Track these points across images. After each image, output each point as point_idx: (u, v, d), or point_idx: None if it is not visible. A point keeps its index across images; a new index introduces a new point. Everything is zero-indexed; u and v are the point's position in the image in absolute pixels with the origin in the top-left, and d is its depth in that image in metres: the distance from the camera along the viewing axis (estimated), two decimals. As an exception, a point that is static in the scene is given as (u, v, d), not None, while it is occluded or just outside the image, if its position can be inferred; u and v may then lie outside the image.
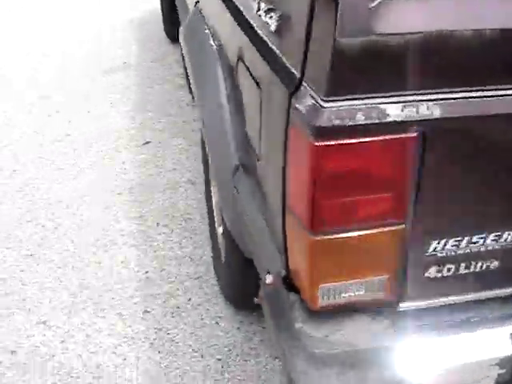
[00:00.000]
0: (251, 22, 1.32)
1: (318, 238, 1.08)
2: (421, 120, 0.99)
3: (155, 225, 2.69)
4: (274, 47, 1.19)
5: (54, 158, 3.15)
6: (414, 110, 0.99)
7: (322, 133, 0.98)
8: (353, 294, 1.17)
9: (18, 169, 3.09)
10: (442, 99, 1.00)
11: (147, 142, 3.25)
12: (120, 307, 2.31)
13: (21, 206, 2.83)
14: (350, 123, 0.97)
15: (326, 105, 0.97)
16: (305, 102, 1.01)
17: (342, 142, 0.99)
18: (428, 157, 1.03)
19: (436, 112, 1.00)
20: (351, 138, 0.99)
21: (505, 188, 1.11)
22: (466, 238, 1.14)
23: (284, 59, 1.13)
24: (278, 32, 1.14)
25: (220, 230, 2.27)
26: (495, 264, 1.20)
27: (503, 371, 1.25)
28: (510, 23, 0.97)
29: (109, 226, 2.69)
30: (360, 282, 1.15)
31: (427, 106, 0.99)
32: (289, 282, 1.26)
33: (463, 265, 1.18)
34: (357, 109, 0.98)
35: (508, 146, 1.06)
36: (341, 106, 0.97)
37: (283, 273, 1.27)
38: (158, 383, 2.03)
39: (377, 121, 0.98)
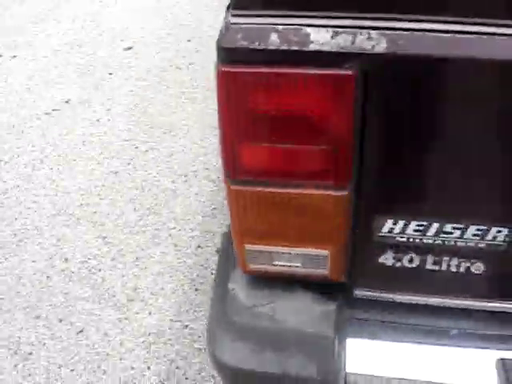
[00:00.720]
0: None
1: (235, 188, 0.89)
2: (358, 53, 0.74)
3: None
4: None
5: (170, 85, 3.16)
6: (350, 38, 0.74)
7: (227, 56, 0.78)
8: (287, 264, 0.96)
9: (135, 90, 3.15)
10: (391, 28, 0.73)
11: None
12: (177, 238, 2.27)
13: (124, 124, 2.88)
14: (261, 46, 0.76)
15: (233, 21, 0.77)
16: (226, 18, 0.81)
17: (251, 70, 0.78)
18: (374, 103, 0.78)
19: (381, 44, 0.74)
20: (264, 65, 0.77)
21: (492, 161, 0.81)
22: (435, 225, 0.87)
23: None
24: None
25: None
26: (479, 267, 0.91)
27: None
28: None
29: (196, 158, 2.64)
30: (294, 253, 0.94)
31: (368, 35, 0.74)
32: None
33: (431, 259, 0.91)
34: (271, 29, 0.76)
35: (493, 97, 0.76)
36: (250, 24, 0.76)
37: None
38: (184, 320, 1.97)
39: (295, 47, 0.75)
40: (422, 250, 0.90)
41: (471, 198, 0.85)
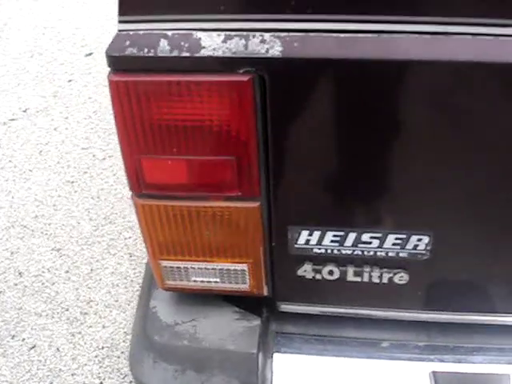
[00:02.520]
0: None
1: (144, 202, 0.84)
2: (252, 58, 0.69)
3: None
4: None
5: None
6: (243, 42, 0.69)
7: (116, 64, 0.72)
8: (205, 280, 0.91)
9: (93, 97, 3.08)
10: (285, 30, 0.68)
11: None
12: (132, 248, 2.21)
13: (82, 133, 2.81)
14: (150, 53, 0.70)
15: (121, 27, 0.71)
16: (119, 26, 0.75)
17: (142, 78, 0.72)
18: (274, 109, 0.73)
19: (276, 48, 0.68)
20: (155, 73, 0.72)
21: (406, 167, 0.76)
22: (352, 235, 0.82)
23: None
24: None
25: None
26: (403, 278, 0.86)
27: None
28: None
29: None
30: (211, 267, 0.89)
31: (262, 38, 0.69)
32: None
33: (352, 270, 0.86)
34: (161, 34, 0.70)
35: (393, 98, 0.71)
36: (138, 30, 0.71)
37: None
38: (138, 332, 1.91)
39: (186, 53, 0.70)
40: (342, 261, 0.85)
41: (386, 206, 0.80)
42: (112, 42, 0.71)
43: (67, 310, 2.01)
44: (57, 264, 2.17)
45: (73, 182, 2.53)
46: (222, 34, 0.69)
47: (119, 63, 0.71)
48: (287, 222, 0.83)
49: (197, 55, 0.69)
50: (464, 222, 0.79)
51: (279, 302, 0.93)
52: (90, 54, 3.44)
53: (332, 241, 0.83)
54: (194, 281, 0.91)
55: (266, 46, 0.68)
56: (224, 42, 0.69)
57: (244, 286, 0.91)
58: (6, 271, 2.16)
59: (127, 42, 0.71)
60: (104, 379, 1.79)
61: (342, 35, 0.67)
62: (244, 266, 0.88)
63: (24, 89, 3.20)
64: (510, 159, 0.72)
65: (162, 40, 0.70)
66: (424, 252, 0.82)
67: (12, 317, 2.00)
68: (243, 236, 0.84)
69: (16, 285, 2.11)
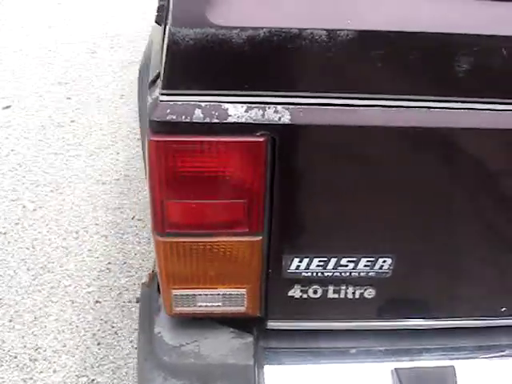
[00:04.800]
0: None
1: (163, 240, 1.01)
2: (267, 124, 0.91)
3: (130, 218, 2.67)
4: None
5: (53, 143, 3.18)
6: (261, 112, 0.91)
7: (157, 127, 0.91)
8: (209, 305, 1.09)
9: (16, 150, 3.13)
10: (293, 104, 0.91)
11: (146, 136, 3.23)
12: (74, 295, 2.29)
13: (8, 185, 2.86)
14: (187, 119, 0.90)
15: (162, 98, 0.91)
16: (153, 95, 0.95)
17: (178, 138, 0.92)
18: (280, 164, 0.95)
19: (285, 117, 0.91)
20: (189, 135, 0.92)
21: (375, 205, 1.01)
22: (333, 260, 1.05)
23: (160, 51, 1.07)
24: (158, 22, 1.08)
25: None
26: (371, 293, 1.09)
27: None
28: (368, 25, 0.87)
29: (85, 214, 2.68)
30: (216, 293, 1.08)
31: (275, 109, 0.91)
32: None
33: (332, 289, 1.08)
34: (196, 105, 0.91)
35: (370, 158, 0.96)
36: (178, 101, 0.91)
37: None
38: (90, 374, 2.00)
39: (216, 120, 0.90)
40: (324, 282, 1.07)
41: (359, 237, 1.04)
42: (154, 109, 0.91)
43: (15, 357, 2.05)
44: (-2, 314, 2.21)
45: (5, 233, 2.57)
46: (245, 105, 0.91)
47: (160, 127, 0.91)
48: (282, 251, 1.04)
49: (224, 121, 0.90)
50: (417, 247, 1.05)
51: (268, 321, 1.13)
52: (8, 106, 3.49)
53: (317, 265, 1.05)
54: (200, 306, 1.09)
55: (279, 115, 0.91)
56: (246, 111, 0.91)
57: (241, 308, 1.10)
58: None
59: (168, 111, 0.90)
60: (60, 422, 1.86)
61: (334, 108, 0.91)
62: (243, 291, 1.08)
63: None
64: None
65: (197, 109, 0.90)
66: (388, 271, 1.06)
67: (-44, 369, 2.01)
68: (246, 264, 1.04)
69: (-44, 338, 2.12)
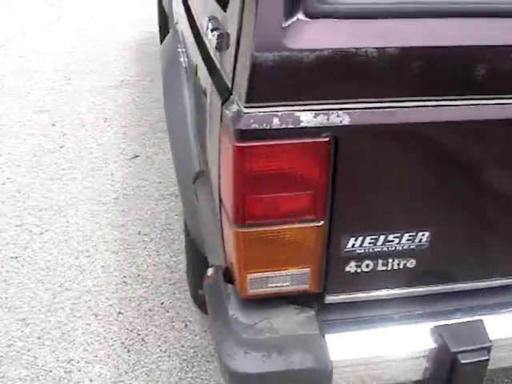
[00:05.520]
0: (203, 38, 1.48)
1: (242, 231, 1.22)
2: (331, 126, 1.13)
3: (136, 233, 2.83)
4: (216, 62, 1.34)
5: (47, 168, 3.31)
6: (325, 117, 1.13)
7: (242, 135, 1.12)
8: (279, 285, 1.30)
9: (12, 177, 3.25)
10: (350, 109, 1.14)
11: (136, 156, 3.41)
12: (96, 308, 2.44)
13: (11, 212, 2.98)
14: (267, 127, 1.12)
15: (246, 110, 1.12)
16: (231, 108, 1.16)
17: (260, 143, 1.13)
18: (341, 159, 1.17)
19: (345, 119, 1.14)
20: (268, 140, 1.13)
21: (416, 192, 1.25)
22: (382, 237, 1.28)
23: (222, 72, 1.28)
24: (218, 49, 1.29)
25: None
26: (413, 263, 1.33)
27: (428, 364, 1.36)
28: (408, 42, 1.11)
29: (92, 234, 2.83)
30: (285, 274, 1.29)
31: (337, 114, 1.14)
32: (227, 275, 1.40)
33: (381, 262, 1.31)
34: (273, 115, 1.12)
35: (413, 151, 1.19)
36: (259, 112, 1.12)
37: (223, 266, 1.41)
38: (126, 379, 2.15)
39: (291, 126, 1.12)
40: (374, 256, 1.29)
41: (403, 216, 1.27)
42: (240, 121, 1.12)
43: (50, 371, 2.19)
44: (26, 332, 2.34)
45: (17, 258, 2.70)
46: (313, 112, 1.13)
47: (244, 135, 1.12)
48: (341, 233, 1.26)
49: (297, 126, 1.12)
50: (451, 222, 1.29)
51: (326, 296, 1.34)
52: (-6, 136, 3.59)
53: (369, 242, 1.28)
54: (271, 287, 1.30)
55: (340, 119, 1.14)
56: (314, 117, 1.13)
57: (305, 286, 1.31)
58: (-26, 347, 2.28)
59: (251, 121, 1.11)
60: (106, 425, 2.01)
61: (381, 110, 1.15)
62: (307, 270, 1.29)
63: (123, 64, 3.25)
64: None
65: (275, 118, 1.12)
66: (426, 243, 1.30)
67: (-6, 387, 2.13)
68: (311, 247, 1.26)
69: (-11, 357, 2.24)
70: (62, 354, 2.25)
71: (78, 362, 2.22)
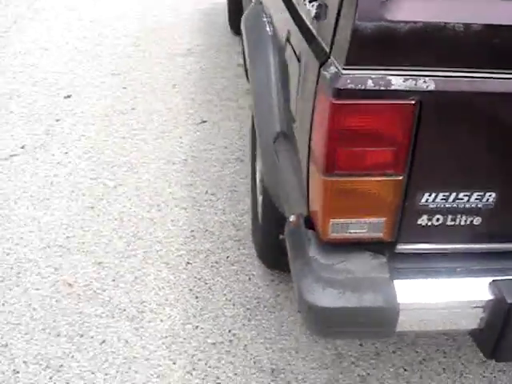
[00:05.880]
0: (297, 8, 1.66)
1: (330, 179, 1.40)
2: (418, 91, 1.30)
3: (204, 192, 3.05)
4: (313, 30, 1.52)
5: (119, 128, 3.56)
6: (414, 82, 1.30)
7: (339, 93, 1.30)
8: (357, 231, 1.48)
9: (86, 134, 3.51)
10: (436, 76, 1.31)
11: (203, 121, 3.62)
12: (166, 257, 2.67)
13: (86, 166, 3.24)
14: (362, 87, 1.29)
15: (344, 72, 1.30)
16: (329, 70, 1.34)
17: (355, 102, 1.31)
18: (424, 121, 1.34)
19: (431, 85, 1.30)
20: (362, 99, 1.31)
21: (488, 156, 1.41)
22: (453, 194, 1.44)
23: (319, 39, 1.46)
24: (317, 18, 1.47)
25: (261, 198, 2.62)
26: (478, 220, 1.49)
27: (484, 314, 1.53)
28: (489, 20, 1.27)
29: (162, 190, 3.07)
30: (363, 222, 1.47)
31: (424, 80, 1.30)
32: (308, 222, 1.59)
33: (450, 217, 1.48)
34: (368, 77, 1.30)
35: (487, 118, 1.35)
36: (356, 74, 1.30)
37: (304, 213, 1.60)
38: (194, 322, 2.38)
39: (383, 88, 1.29)
40: (445, 211, 1.46)
41: (474, 176, 1.44)
42: (338, 80, 1.29)
43: (124, 310, 2.43)
44: (102, 275, 2.58)
45: (92, 208, 2.95)
46: (403, 77, 1.30)
47: (342, 93, 1.30)
48: (417, 188, 1.43)
49: (388, 89, 1.30)
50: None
51: (397, 245, 1.52)
52: (69, 96, 3.85)
53: (441, 199, 1.44)
54: (350, 232, 1.48)
55: (426, 84, 1.30)
56: (403, 82, 1.30)
57: (380, 234, 1.49)
58: (55, 284, 2.54)
59: (348, 81, 1.29)
60: (176, 360, 2.24)
61: (465, 79, 1.31)
62: (383, 220, 1.47)
63: (14, 127, 3.55)
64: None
65: (369, 80, 1.29)
66: (492, 203, 1.46)
67: (75, 320, 2.38)
68: (389, 199, 1.43)
69: (69, 294, 2.50)
70: (135, 295, 2.49)
71: (150, 304, 2.46)
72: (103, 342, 2.30)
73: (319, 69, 1.39)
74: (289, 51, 1.77)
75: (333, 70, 1.33)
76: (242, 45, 2.58)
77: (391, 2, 1.25)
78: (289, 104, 1.82)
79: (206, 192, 3.06)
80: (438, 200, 1.45)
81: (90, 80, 4.04)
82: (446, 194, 1.44)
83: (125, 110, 3.73)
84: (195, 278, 2.57)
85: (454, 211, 1.47)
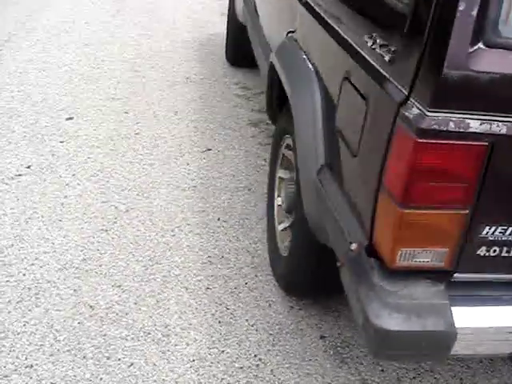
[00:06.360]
0: (361, 51, 1.81)
1: (405, 211, 1.54)
2: (491, 134, 1.47)
3: (216, 219, 3.15)
4: (383, 72, 1.67)
5: (126, 152, 3.63)
6: (489, 126, 1.47)
7: (424, 133, 1.45)
8: (421, 260, 1.62)
9: (92, 157, 3.57)
10: (508, 121, 1.47)
11: (208, 149, 3.73)
12: (186, 282, 2.75)
13: (95, 189, 3.29)
14: (444, 129, 1.45)
15: (429, 114, 1.45)
16: (412, 111, 1.49)
17: (436, 141, 1.46)
18: (494, 162, 1.50)
19: (503, 129, 1.47)
20: (443, 139, 1.46)
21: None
22: (510, 228, 1.61)
23: (394, 82, 1.61)
24: (391, 62, 1.62)
25: (280, 226, 2.75)
26: (528, 252, 1.66)
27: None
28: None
29: (175, 215, 3.15)
30: (428, 251, 1.61)
31: (497, 124, 1.47)
32: (369, 250, 1.72)
33: (505, 249, 1.64)
34: (449, 119, 1.45)
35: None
36: (439, 117, 1.45)
37: (365, 242, 1.73)
38: (219, 346, 2.45)
39: (462, 130, 1.45)
40: (501, 244, 1.62)
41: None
42: (422, 121, 1.44)
43: (149, 333, 2.49)
44: (123, 298, 2.64)
45: (107, 231, 3.01)
46: (479, 121, 1.46)
47: (426, 133, 1.45)
48: (480, 222, 1.59)
49: (467, 131, 1.46)
50: None
51: (456, 273, 1.67)
52: (71, 118, 3.91)
53: (499, 232, 1.60)
54: (415, 261, 1.62)
55: (499, 128, 1.47)
56: (480, 125, 1.46)
57: (441, 264, 1.64)
58: (77, 305, 2.58)
59: (432, 122, 1.44)
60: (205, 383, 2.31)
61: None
62: (446, 250, 1.62)
63: (17, 147, 3.58)
64: None
65: (450, 122, 1.45)
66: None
67: (100, 342, 2.43)
68: (454, 230, 1.58)
69: (91, 316, 2.54)
70: (159, 319, 2.55)
71: (174, 328, 2.52)
72: (131, 365, 2.35)
73: (398, 109, 1.54)
74: (347, 89, 1.91)
75: (415, 111, 1.48)
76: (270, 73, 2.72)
77: (475, 54, 1.42)
78: (337, 138, 1.97)
79: (219, 219, 3.16)
80: (496, 233, 1.61)
81: (90, 103, 4.11)
82: (504, 227, 1.60)
83: (129, 134, 3.80)
84: (216, 303, 2.66)
85: (510, 243, 1.63)
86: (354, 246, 1.77)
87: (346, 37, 1.98)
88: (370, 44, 1.76)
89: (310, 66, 2.29)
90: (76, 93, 4.21)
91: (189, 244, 2.97)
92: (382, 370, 2.43)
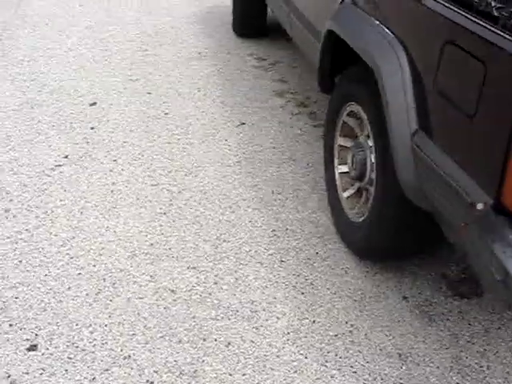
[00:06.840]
0: (472, 16, 1.81)
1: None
2: None
3: (270, 192, 3.14)
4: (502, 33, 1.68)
5: (161, 133, 3.57)
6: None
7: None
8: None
9: (129, 141, 3.50)
10: None
11: (242, 123, 3.70)
12: (258, 257, 2.74)
13: (141, 172, 3.23)
14: None
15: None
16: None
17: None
18: None
19: None
20: None
21: None
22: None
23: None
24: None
25: (345, 194, 2.76)
26: None
27: None
28: None
29: (229, 192, 3.13)
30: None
31: None
32: (497, 208, 1.75)
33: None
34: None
35: None
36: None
37: (490, 201, 1.76)
38: (309, 317, 2.47)
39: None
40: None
41: None
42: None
43: (237, 311, 2.48)
44: (201, 279, 2.62)
45: (165, 213, 2.97)
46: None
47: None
48: None
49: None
50: None
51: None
52: (94, 103, 3.81)
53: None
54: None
55: None
56: None
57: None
58: (158, 291, 2.55)
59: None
60: (306, 355, 2.33)
61: None
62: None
63: (48, 137, 3.48)
64: None
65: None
66: None
67: (191, 325, 2.41)
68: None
69: (175, 300, 2.52)
70: (243, 296, 2.55)
71: (261, 303, 2.52)
72: (229, 344, 2.35)
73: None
74: (454, 53, 1.90)
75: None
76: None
77: None
78: (438, 101, 1.98)
79: (273, 192, 3.15)
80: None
81: (109, 86, 4.01)
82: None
83: (158, 115, 3.73)
84: (294, 275, 2.66)
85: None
86: (480, 206, 1.79)
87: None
88: (482, 7, 1.75)
89: (387, 30, 2.27)
90: (92, 77, 4.10)
91: (250, 219, 2.96)
92: (470, 324, 2.49)
